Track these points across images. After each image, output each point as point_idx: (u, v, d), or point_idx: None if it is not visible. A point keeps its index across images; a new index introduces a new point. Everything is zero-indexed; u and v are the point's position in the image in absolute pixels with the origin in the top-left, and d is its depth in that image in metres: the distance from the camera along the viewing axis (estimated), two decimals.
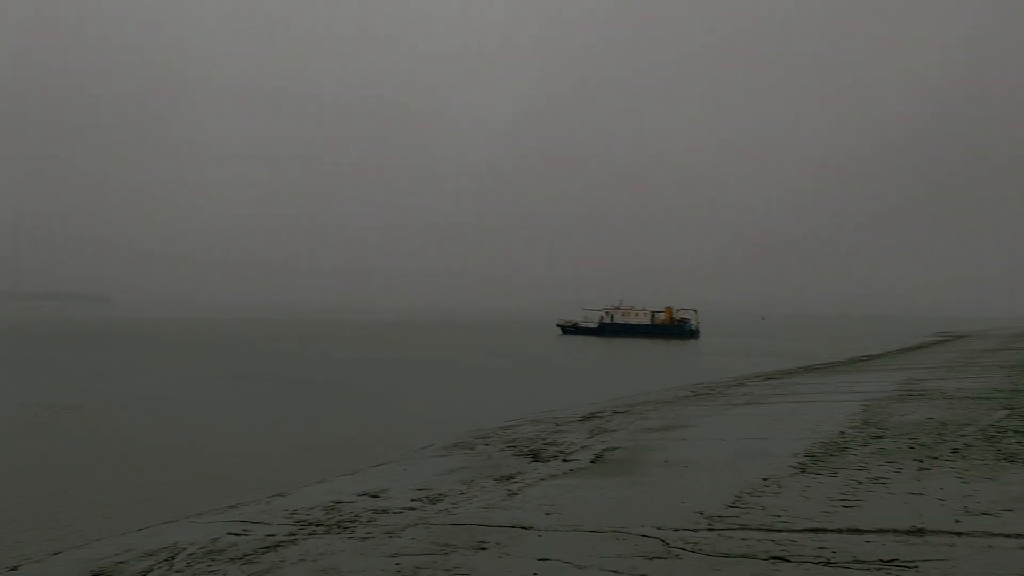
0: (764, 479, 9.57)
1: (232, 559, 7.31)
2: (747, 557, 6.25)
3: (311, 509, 9.73)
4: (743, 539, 6.82)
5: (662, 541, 6.91)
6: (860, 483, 9.04)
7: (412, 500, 9.95)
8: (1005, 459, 10.13)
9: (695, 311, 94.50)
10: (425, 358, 53.03)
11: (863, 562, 5.95)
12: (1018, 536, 6.51)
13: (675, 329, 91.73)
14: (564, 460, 12.77)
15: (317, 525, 8.74)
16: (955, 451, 10.90)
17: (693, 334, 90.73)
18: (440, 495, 10.26)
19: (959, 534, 6.66)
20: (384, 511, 9.32)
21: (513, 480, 11.17)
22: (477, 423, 20.69)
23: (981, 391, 19.90)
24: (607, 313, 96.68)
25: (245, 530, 8.58)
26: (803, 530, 7.02)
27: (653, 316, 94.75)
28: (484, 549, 7.07)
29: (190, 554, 7.64)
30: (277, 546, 7.68)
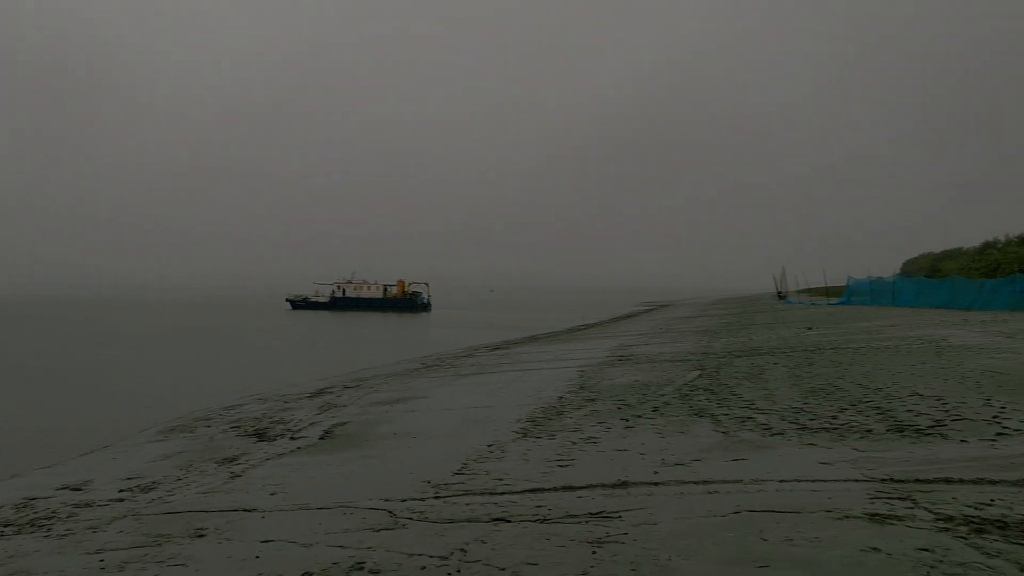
0: (489, 445, 9.96)
1: None
2: (471, 521, 6.46)
3: None
4: (468, 504, 7.05)
5: (390, 512, 6.95)
6: (574, 444, 9.70)
7: (121, 491, 9.19)
8: (696, 414, 11.36)
9: (427, 284, 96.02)
10: (138, 337, 49.10)
11: (574, 516, 6.39)
12: (705, 483, 7.31)
13: (407, 303, 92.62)
14: (292, 438, 12.44)
15: (5, 525, 7.79)
16: (655, 409, 12.05)
17: (425, 307, 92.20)
18: (153, 483, 9.56)
19: (656, 484, 7.36)
20: (87, 505, 8.51)
21: (236, 462, 10.69)
22: (198, 405, 19.52)
23: (678, 354, 22.18)
24: (339, 287, 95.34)
25: None
26: (523, 491, 7.40)
27: (385, 290, 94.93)
28: (202, 536, 6.69)
29: None
30: None
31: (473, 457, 9.25)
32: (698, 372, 16.91)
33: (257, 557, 5.91)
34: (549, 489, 7.42)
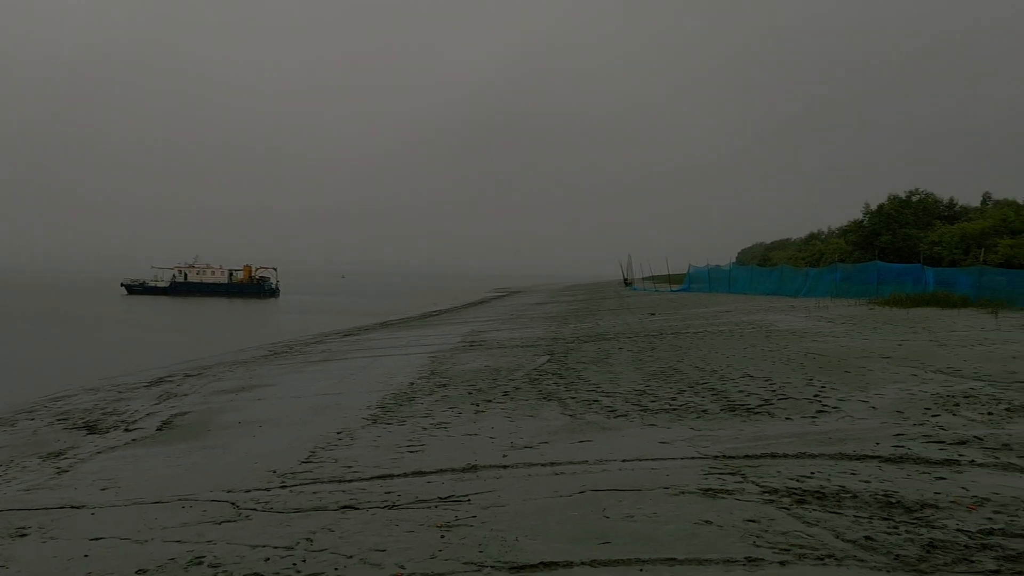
0: (338, 432, 9.80)
1: None
2: (318, 510, 6.34)
3: None
4: (315, 492, 6.92)
5: (232, 504, 6.71)
6: (425, 429, 9.70)
7: None
8: (544, 398, 11.62)
9: (275, 269, 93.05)
10: None
11: (424, 501, 6.40)
12: (552, 464, 7.50)
13: (254, 288, 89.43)
14: (126, 430, 11.78)
15: None
16: (506, 394, 12.24)
17: (273, 292, 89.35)
18: None
19: (505, 467, 7.48)
20: None
21: (63, 456, 10.02)
22: (20, 396, 18.10)
23: (528, 340, 22.59)
24: (180, 271, 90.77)
25: None
26: (372, 477, 7.33)
27: (231, 274, 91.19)
28: (24, 536, 6.23)
29: None
30: None
31: (322, 445, 9.08)
32: (547, 357, 17.29)
33: (86, 556, 5.57)
34: (399, 475, 7.40)
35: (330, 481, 7.31)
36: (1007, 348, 14.72)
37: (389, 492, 6.76)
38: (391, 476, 7.36)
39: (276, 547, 5.46)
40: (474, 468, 7.48)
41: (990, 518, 5.30)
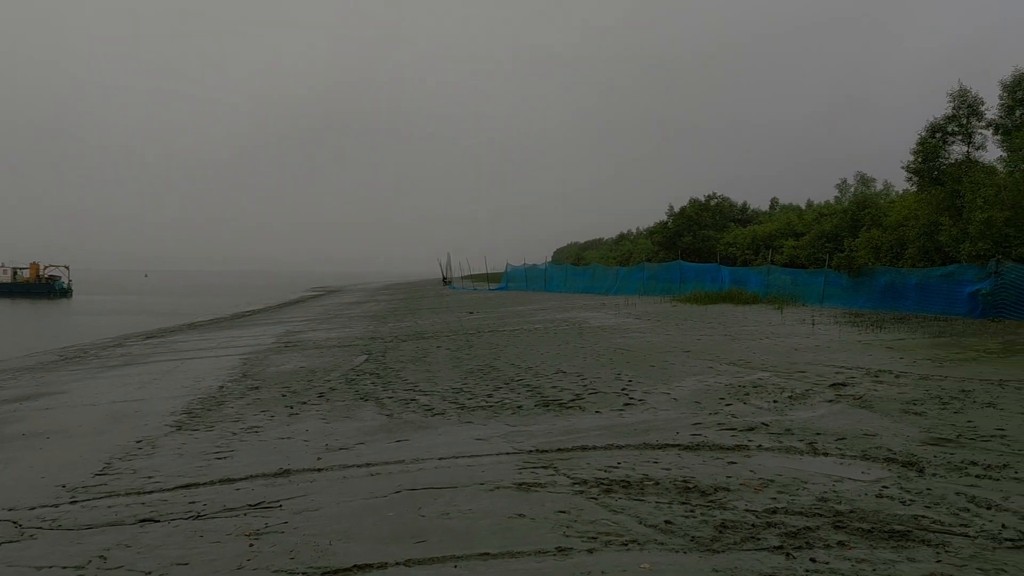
0: (138, 441, 9.20)
1: None
2: (114, 524, 5.92)
3: None
4: (110, 507, 6.45)
5: (14, 523, 6.13)
6: (235, 434, 9.30)
7: None
8: (361, 399, 11.46)
9: (67, 268, 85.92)
10: None
11: (232, 509, 6.13)
12: (368, 465, 7.41)
13: (43, 288, 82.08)
14: None
15: None
16: (321, 395, 11.96)
17: (65, 293, 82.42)
18: None
19: (319, 470, 7.31)
20: None
21: None
22: None
23: (346, 339, 22.22)
24: None
25: None
26: (175, 487, 6.93)
27: (15, 273, 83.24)
28: None
29: None
30: None
31: (119, 455, 8.47)
32: (365, 357, 17.08)
33: None
34: (205, 483, 7.04)
35: (127, 494, 6.84)
36: (790, 341, 16.12)
37: (194, 502, 6.42)
38: (196, 485, 7.00)
39: (65, 567, 5.05)
40: (286, 472, 7.26)
41: (774, 498, 5.78)
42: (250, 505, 6.22)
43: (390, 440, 8.55)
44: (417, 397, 11.34)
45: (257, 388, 13.11)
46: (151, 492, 6.85)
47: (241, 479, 7.11)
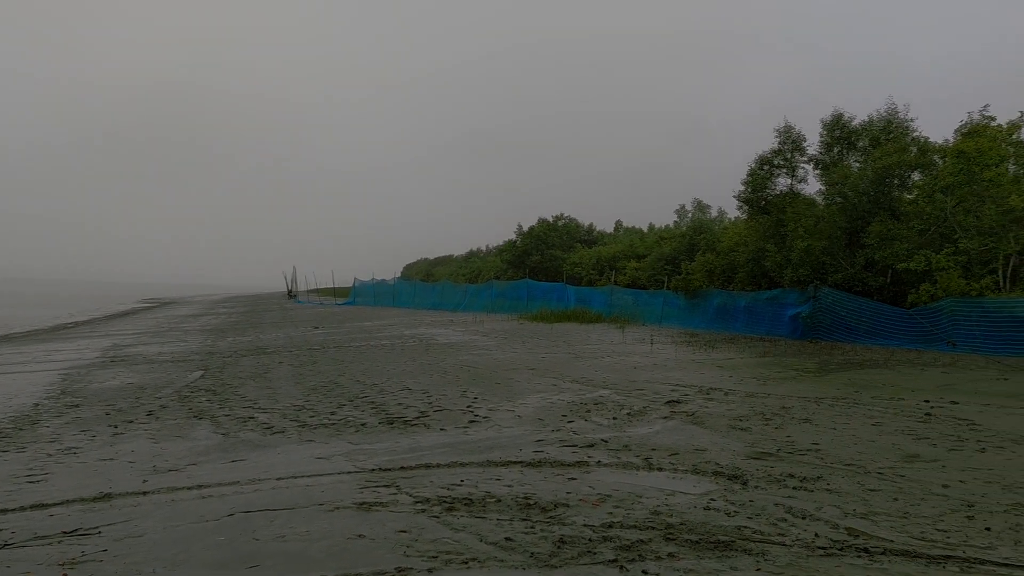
0: None
1: None
2: None
3: None
4: None
5: None
6: (50, 455, 8.61)
7: None
8: (195, 417, 10.91)
9: None
10: None
11: (44, 537, 5.65)
12: (200, 487, 7.04)
13: None
14: None
15: None
16: (150, 413, 11.29)
17: None
18: None
19: (145, 493, 6.87)
20: None
21: None
22: None
23: (181, 354, 21.12)
24: None
25: None
26: None
27: None
28: None
29: None
30: None
31: None
32: (201, 372, 16.29)
33: None
34: (15, 509, 6.47)
35: None
36: (630, 360, 16.71)
37: (1, 530, 5.88)
38: (4, 511, 6.41)
39: None
40: (108, 496, 6.78)
41: (611, 512, 5.94)
42: (65, 532, 5.76)
43: (225, 460, 8.17)
44: (256, 415, 10.91)
45: (78, 406, 12.22)
46: None
47: (56, 504, 6.58)
